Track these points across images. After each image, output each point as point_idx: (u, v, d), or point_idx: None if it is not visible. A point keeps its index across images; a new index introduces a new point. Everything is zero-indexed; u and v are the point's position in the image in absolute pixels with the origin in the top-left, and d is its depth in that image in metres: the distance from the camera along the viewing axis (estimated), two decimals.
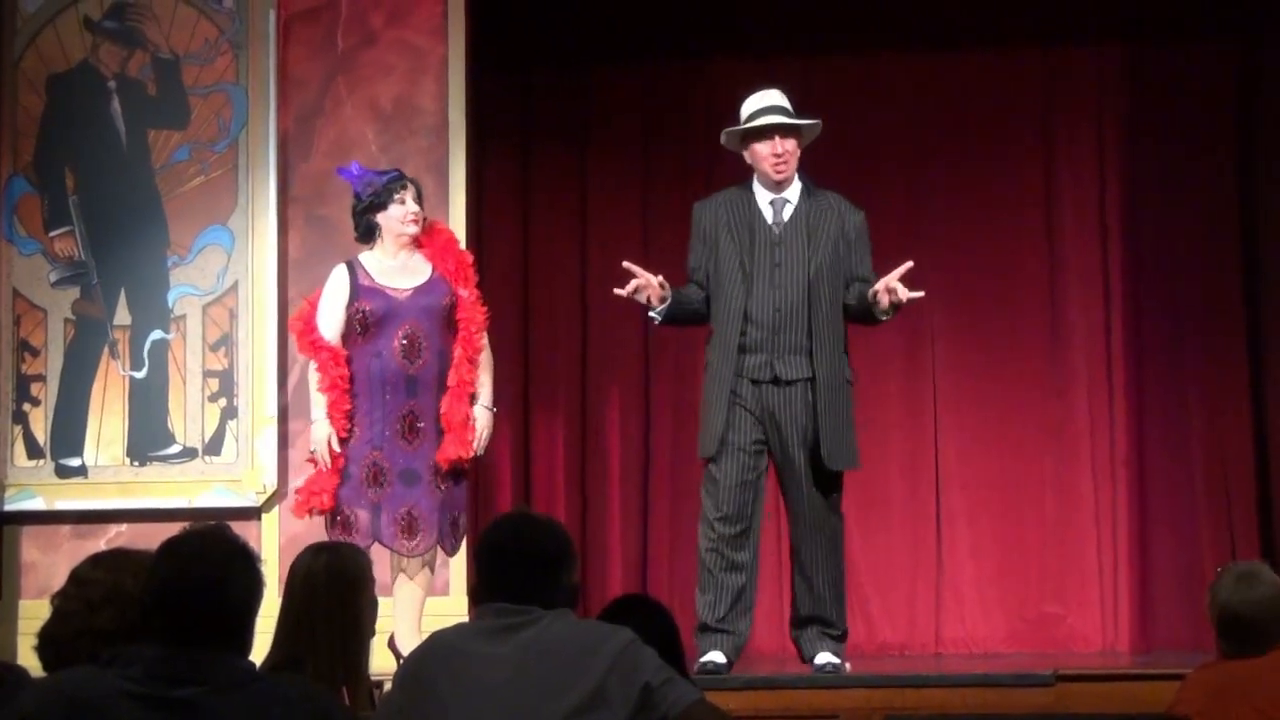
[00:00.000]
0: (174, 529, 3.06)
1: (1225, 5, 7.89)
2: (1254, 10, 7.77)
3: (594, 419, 8.06)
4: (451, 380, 6.07)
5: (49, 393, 7.12)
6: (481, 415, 6.13)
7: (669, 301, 5.87)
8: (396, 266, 6.13)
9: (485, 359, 6.18)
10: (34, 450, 7.11)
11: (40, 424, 7.11)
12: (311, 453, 6.08)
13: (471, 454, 6.13)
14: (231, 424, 7.07)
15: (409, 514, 6.02)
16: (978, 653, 7.66)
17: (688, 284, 5.99)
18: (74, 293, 7.16)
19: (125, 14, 7.27)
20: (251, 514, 6.98)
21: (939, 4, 7.98)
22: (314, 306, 6.15)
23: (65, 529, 7.09)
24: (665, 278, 5.89)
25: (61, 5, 7.27)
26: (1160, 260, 7.91)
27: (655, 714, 3.23)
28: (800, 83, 7.87)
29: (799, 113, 6.06)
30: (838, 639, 5.94)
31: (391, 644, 5.92)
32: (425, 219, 6.23)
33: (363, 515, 6.01)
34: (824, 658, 5.85)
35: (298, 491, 6.20)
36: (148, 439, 7.09)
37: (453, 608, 6.60)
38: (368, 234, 6.17)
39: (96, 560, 3.29)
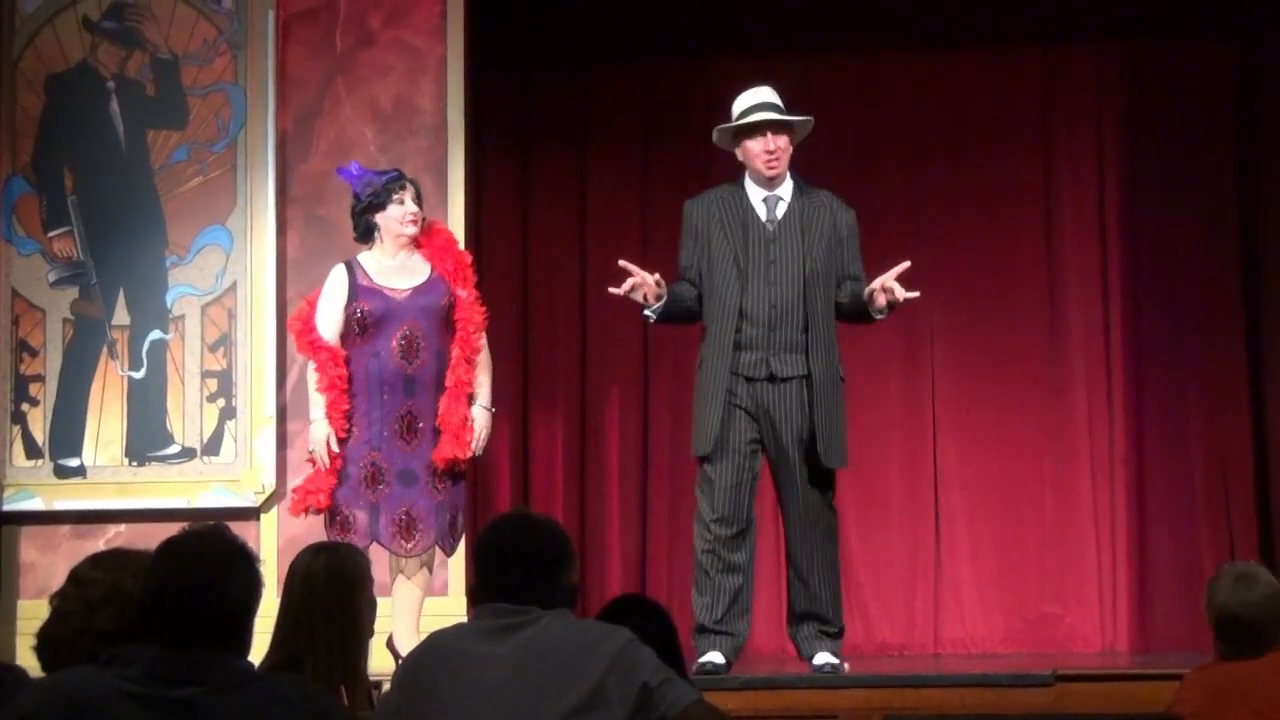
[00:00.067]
0: (173, 529, 3.06)
1: (1225, 4, 7.89)
2: (1253, 9, 7.77)
3: (593, 418, 8.06)
4: (449, 381, 6.07)
5: (48, 393, 7.12)
6: (480, 415, 6.13)
7: (664, 300, 5.86)
8: (395, 267, 6.13)
9: (484, 359, 6.18)
10: (33, 450, 7.11)
11: (39, 424, 7.11)
12: (310, 452, 6.08)
13: (469, 454, 6.12)
14: (230, 424, 7.07)
15: (407, 514, 6.02)
16: (977, 653, 7.66)
17: (679, 281, 5.97)
18: (73, 293, 7.16)
19: (124, 14, 7.27)
20: (250, 514, 6.98)
21: (938, 3, 7.98)
22: (313, 307, 6.15)
23: (64, 529, 7.08)
24: (663, 276, 5.89)
25: (60, 5, 7.26)
26: (1160, 259, 7.91)
27: (654, 714, 3.23)
28: (800, 82, 7.88)
29: (792, 110, 6.06)
30: (835, 636, 5.94)
31: (390, 644, 5.92)
32: (424, 219, 6.23)
33: (361, 516, 6.01)
34: (823, 658, 5.84)
35: (295, 490, 6.20)
36: (146, 439, 7.08)
37: (451, 608, 6.60)
38: (366, 234, 6.17)
39: (95, 560, 3.29)
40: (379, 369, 6.04)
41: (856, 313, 5.96)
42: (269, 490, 7.00)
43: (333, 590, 3.95)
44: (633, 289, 5.83)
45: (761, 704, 5.52)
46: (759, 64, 7.57)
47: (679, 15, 8.05)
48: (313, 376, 6.09)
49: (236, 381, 7.07)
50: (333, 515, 6.03)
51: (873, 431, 7.88)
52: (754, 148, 5.96)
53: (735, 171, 6.13)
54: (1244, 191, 7.87)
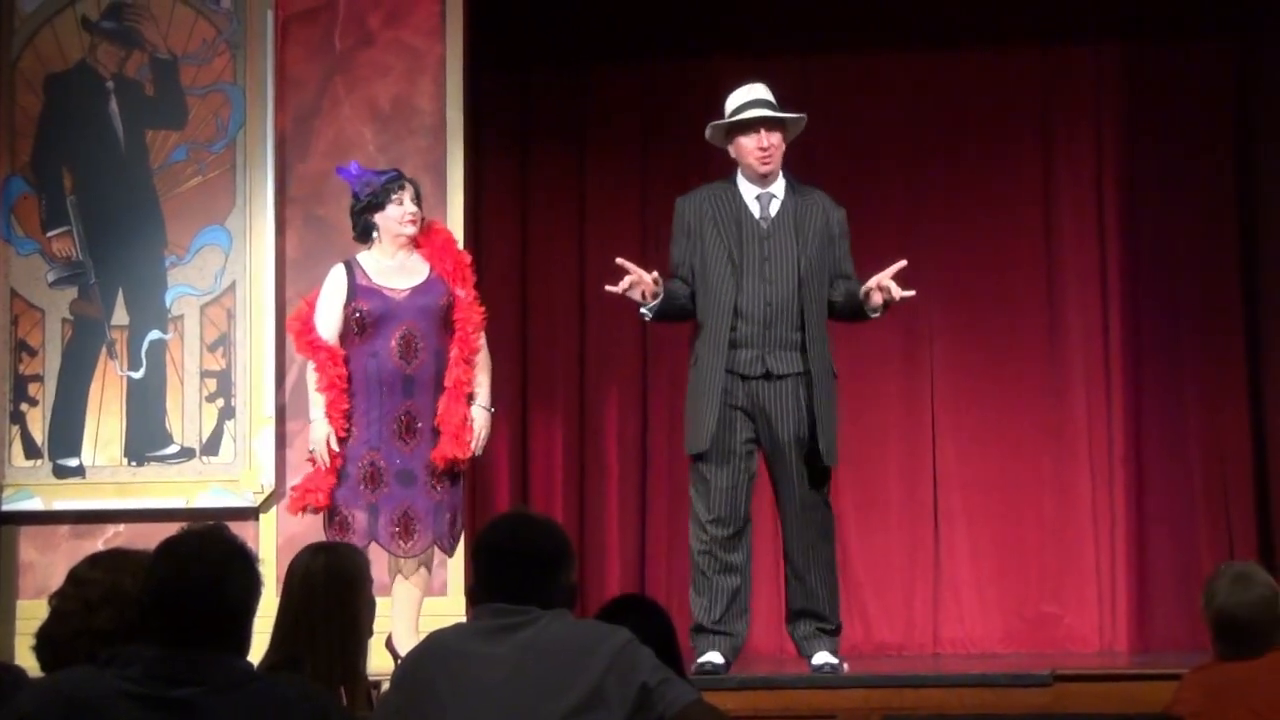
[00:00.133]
0: (172, 529, 3.06)
1: (1224, 4, 7.89)
2: (1253, 9, 7.77)
3: (592, 418, 8.06)
4: (448, 381, 6.06)
5: (47, 393, 7.12)
6: (479, 416, 6.12)
7: (660, 298, 5.85)
8: (394, 266, 6.13)
9: (483, 359, 6.18)
10: (32, 450, 7.10)
11: (38, 424, 7.11)
12: (311, 452, 6.08)
13: (469, 454, 6.12)
14: (229, 424, 7.07)
15: (406, 514, 6.02)
16: (975, 653, 7.67)
17: (671, 279, 5.94)
18: (72, 293, 7.16)
19: (123, 14, 7.27)
20: (249, 514, 6.98)
21: (938, 3, 7.98)
22: (312, 306, 6.15)
23: (63, 529, 7.08)
24: (661, 275, 5.88)
25: (59, 5, 7.26)
26: (1159, 259, 7.91)
27: (653, 714, 3.23)
28: (799, 81, 7.90)
29: (788, 107, 6.06)
30: (832, 634, 5.93)
31: (389, 644, 5.92)
32: (423, 219, 6.23)
33: (360, 516, 6.01)
34: (822, 657, 5.84)
35: (294, 489, 6.18)
36: (145, 439, 7.08)
37: (450, 608, 6.59)
38: (365, 234, 6.17)
39: (94, 560, 3.29)
40: (377, 369, 6.04)
41: (851, 311, 5.96)
42: (268, 490, 7.00)
43: (332, 590, 3.95)
44: (630, 287, 5.82)
45: (760, 704, 5.51)
46: (759, 64, 7.55)
47: (679, 15, 8.05)
48: (312, 376, 6.09)
49: (235, 381, 7.07)
50: (331, 515, 6.03)
51: (872, 431, 7.89)
52: (747, 144, 5.96)
53: (733, 171, 6.12)
54: (1243, 191, 7.87)
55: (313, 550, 4.10)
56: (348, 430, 6.04)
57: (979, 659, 7.42)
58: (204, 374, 7.10)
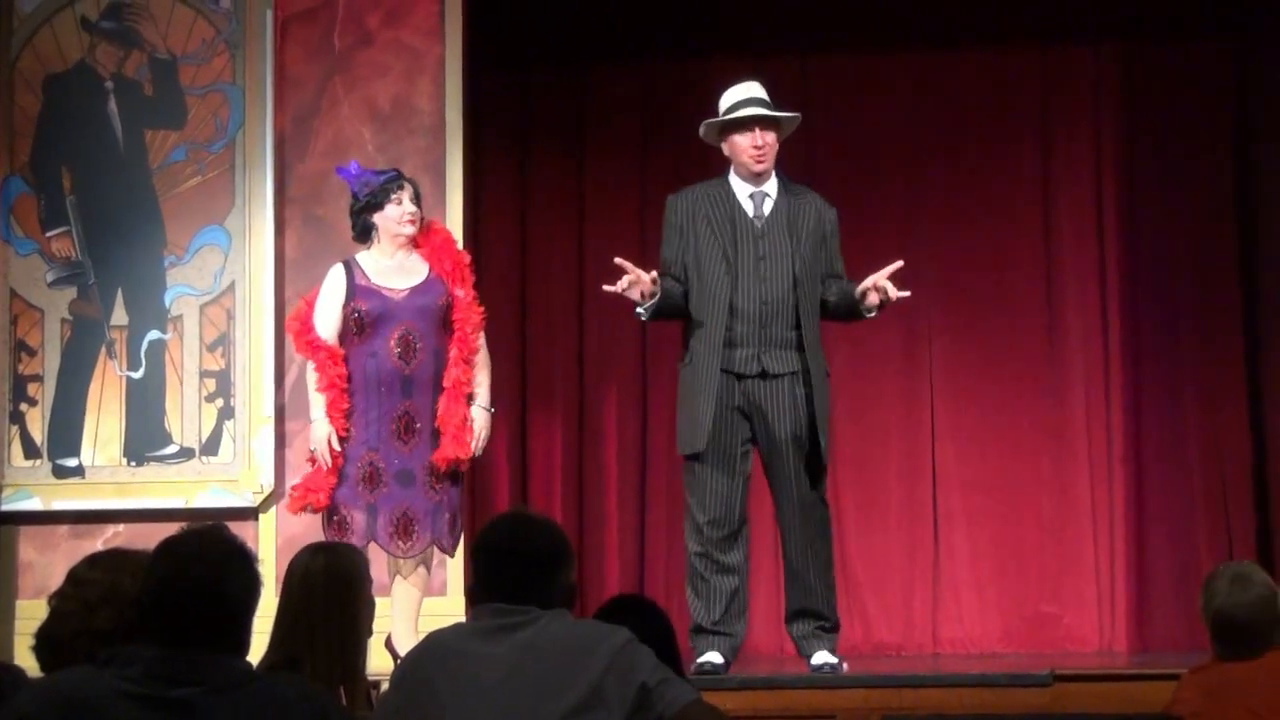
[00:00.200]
0: (171, 529, 3.06)
1: (1224, 4, 7.89)
2: (1252, 9, 7.77)
3: (591, 418, 8.05)
4: (447, 381, 6.06)
5: (46, 393, 7.12)
6: (479, 416, 6.12)
7: (657, 297, 5.83)
8: (393, 266, 6.13)
9: (482, 359, 6.18)
10: (31, 450, 7.10)
11: (37, 424, 7.11)
12: (312, 451, 6.08)
13: (470, 455, 6.12)
14: (228, 424, 7.07)
15: (404, 515, 6.02)
16: (975, 653, 7.66)
17: (663, 277, 5.91)
18: (71, 293, 7.16)
19: (122, 14, 7.27)
20: (248, 514, 6.98)
21: (938, 3, 7.98)
22: (311, 306, 6.15)
23: (62, 529, 7.08)
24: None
25: (58, 5, 7.26)
26: (1158, 259, 7.91)
27: (652, 714, 3.23)
28: (799, 81, 7.91)
29: (784, 107, 6.06)
30: (831, 631, 5.93)
31: (389, 644, 5.92)
32: (423, 219, 6.23)
33: (359, 517, 6.01)
34: (821, 657, 5.84)
35: (294, 488, 6.17)
36: (145, 439, 7.08)
37: (450, 608, 6.59)
38: (365, 234, 6.17)
39: (94, 560, 3.28)
40: (376, 369, 6.04)
41: (846, 311, 5.95)
42: (267, 490, 7.00)
43: (331, 590, 3.95)
44: (629, 286, 5.80)
45: (760, 704, 5.51)
46: (759, 64, 7.56)
47: (678, 15, 8.05)
48: (312, 376, 6.09)
49: (235, 381, 7.07)
50: (330, 515, 6.03)
51: (871, 431, 7.89)
52: (742, 143, 5.95)
53: (727, 170, 6.11)
54: (1243, 192, 7.87)
55: (312, 550, 4.10)
56: (348, 430, 6.03)
57: (978, 659, 7.42)
58: (203, 374, 7.10)
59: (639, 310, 5.87)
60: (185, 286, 7.13)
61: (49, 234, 7.18)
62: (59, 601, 3.22)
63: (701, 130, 6.05)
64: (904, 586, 7.84)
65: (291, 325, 6.26)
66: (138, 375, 7.10)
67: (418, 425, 6.04)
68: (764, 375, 5.83)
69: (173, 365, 7.10)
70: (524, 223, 8.13)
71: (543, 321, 8.09)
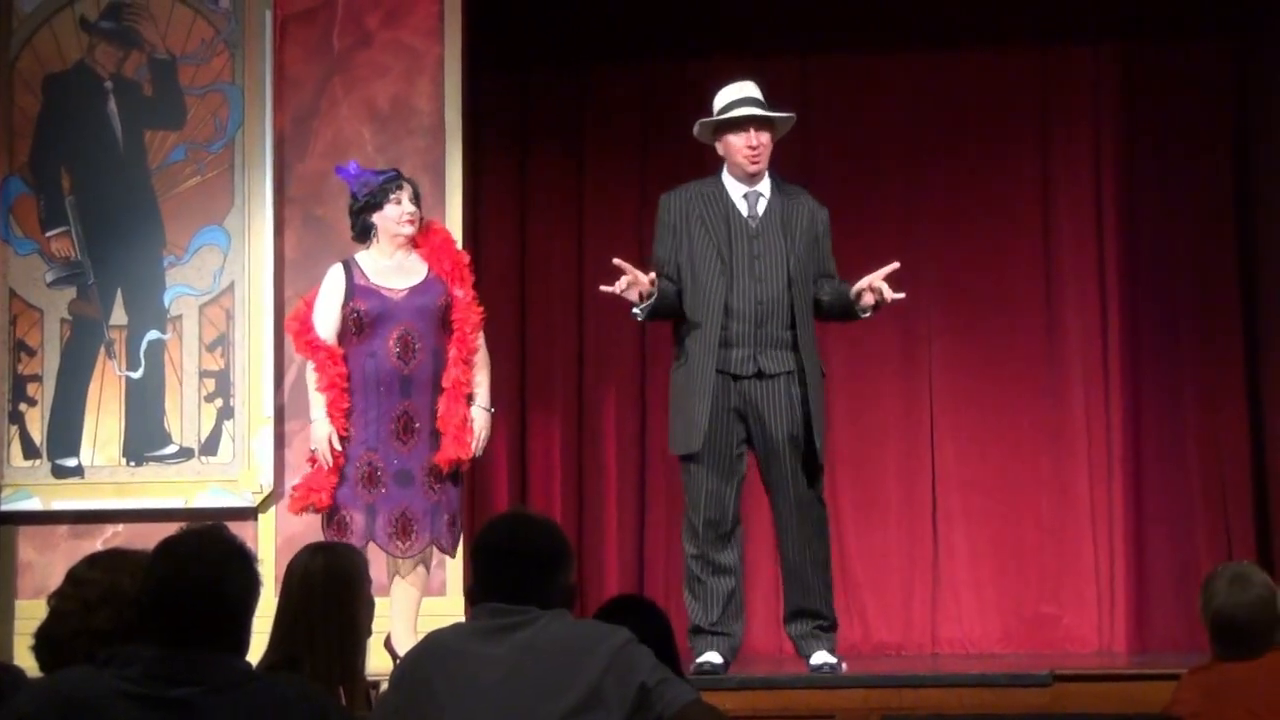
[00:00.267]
0: (170, 529, 3.06)
1: (1224, 4, 7.89)
2: (1252, 9, 7.77)
3: (591, 418, 8.05)
4: (446, 381, 6.06)
5: (45, 393, 7.12)
6: (479, 416, 6.12)
7: (653, 298, 5.81)
8: (392, 266, 6.13)
9: (481, 359, 6.18)
10: (30, 450, 7.10)
11: (36, 424, 7.11)
12: (312, 451, 6.07)
13: (470, 455, 6.12)
14: (228, 424, 7.07)
15: (403, 515, 6.01)
16: (974, 653, 7.67)
17: (657, 277, 5.91)
18: (70, 293, 7.15)
19: (121, 14, 7.27)
20: (248, 514, 6.98)
21: (938, 3, 7.99)
22: (310, 306, 6.15)
23: (62, 529, 7.08)
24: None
25: (58, 5, 7.26)
26: (1157, 259, 7.91)
27: (651, 714, 3.23)
28: (798, 81, 7.91)
29: (780, 106, 6.05)
30: (829, 630, 5.93)
31: (388, 644, 5.91)
32: (422, 219, 6.23)
33: (358, 518, 6.01)
34: (820, 657, 5.84)
35: (295, 488, 6.17)
36: (144, 439, 7.08)
37: (449, 608, 6.59)
38: (364, 234, 6.17)
39: (93, 560, 3.28)
40: (375, 369, 6.04)
41: (840, 310, 5.94)
42: (267, 490, 7.00)
43: (331, 590, 3.95)
44: (627, 287, 5.79)
45: (759, 704, 5.51)
46: (759, 64, 7.55)
47: (678, 15, 8.05)
48: (312, 376, 6.09)
49: (234, 381, 7.07)
50: (330, 516, 6.03)
51: (870, 431, 7.89)
52: (736, 143, 5.94)
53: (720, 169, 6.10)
54: (1242, 192, 7.87)
55: (311, 550, 4.10)
56: (348, 430, 6.03)
57: (978, 659, 7.43)
58: (202, 374, 7.10)
59: (635, 311, 5.85)
60: (185, 286, 7.13)
61: (48, 234, 7.18)
62: (58, 601, 3.22)
63: (696, 129, 6.05)
64: (903, 587, 7.84)
65: (291, 325, 6.26)
66: (137, 375, 7.10)
67: (417, 425, 6.04)
68: (760, 375, 5.83)
69: (172, 365, 7.10)
70: (524, 223, 8.13)
71: (542, 321, 8.09)
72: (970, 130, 8.04)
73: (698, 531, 5.83)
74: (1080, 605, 7.71)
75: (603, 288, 5.87)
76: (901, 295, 5.85)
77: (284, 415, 7.03)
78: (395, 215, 6.12)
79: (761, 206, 5.94)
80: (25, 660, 3.38)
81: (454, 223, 6.94)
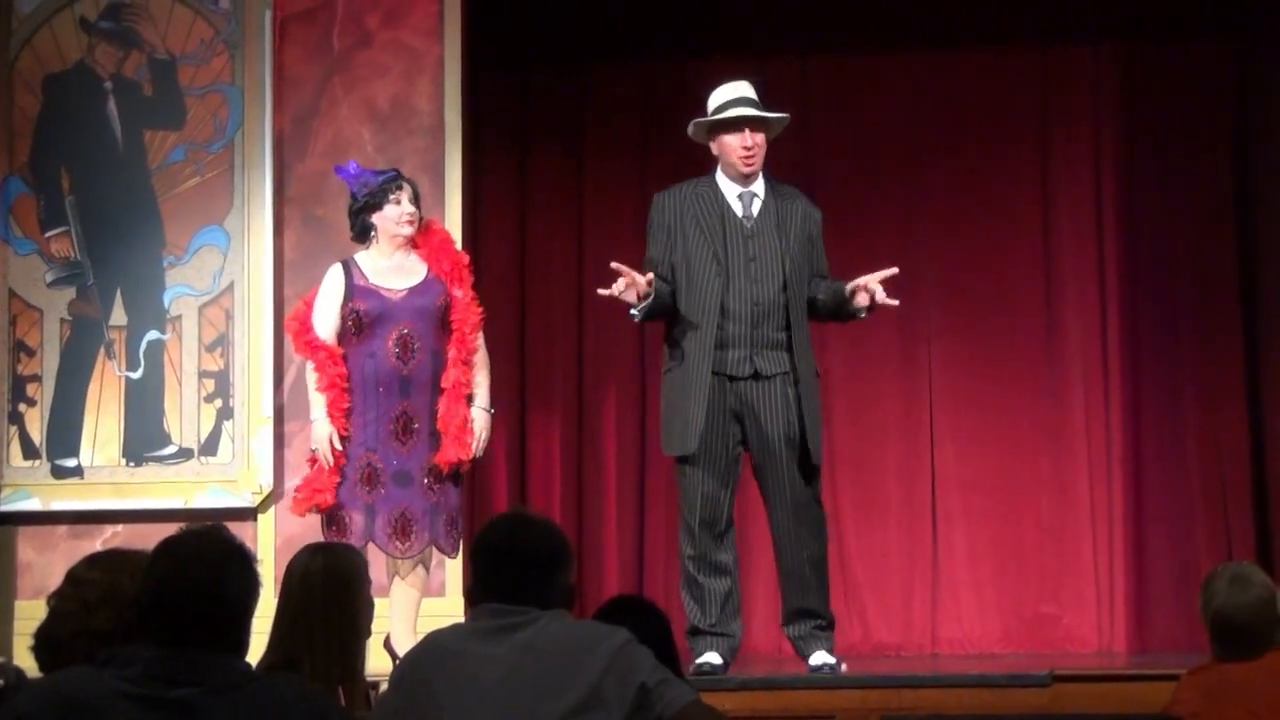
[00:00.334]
0: (170, 529, 3.06)
1: (1224, 4, 7.89)
2: (1252, 9, 7.77)
3: (591, 419, 8.05)
4: (446, 382, 6.06)
5: (45, 393, 7.12)
6: (479, 417, 6.12)
7: (650, 298, 5.79)
8: (392, 267, 6.13)
9: (481, 359, 6.17)
10: (30, 451, 7.10)
11: (36, 424, 7.11)
12: (313, 451, 6.07)
13: (471, 456, 6.12)
14: (227, 424, 7.07)
15: (402, 516, 6.01)
16: (974, 653, 7.66)
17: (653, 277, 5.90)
18: (70, 293, 7.15)
19: (121, 14, 7.26)
20: (247, 514, 6.98)
21: (938, 3, 7.98)
22: (310, 306, 6.14)
23: (61, 529, 7.08)
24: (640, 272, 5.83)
25: (57, 5, 7.26)
26: (1157, 259, 7.91)
27: (651, 714, 3.22)
28: (798, 81, 7.91)
29: (784, 108, 6.05)
30: (827, 629, 5.93)
31: (387, 645, 5.91)
32: (422, 219, 6.23)
33: (357, 518, 6.01)
34: (820, 658, 5.84)
35: (298, 489, 6.17)
36: (144, 439, 7.08)
37: (449, 608, 6.59)
38: (363, 234, 6.17)
39: (93, 561, 3.28)
40: (375, 369, 6.04)
41: (834, 307, 5.93)
42: (266, 490, 7.00)
43: (330, 591, 3.95)
44: (625, 289, 5.77)
45: (759, 704, 5.51)
46: (759, 64, 7.56)
47: (678, 15, 8.05)
48: (312, 376, 6.09)
49: (234, 382, 7.07)
50: (329, 516, 6.03)
51: (870, 431, 7.89)
52: (731, 143, 5.93)
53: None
54: (1242, 192, 7.87)
55: (311, 551, 4.10)
56: (348, 430, 6.03)
57: (977, 659, 7.42)
58: (202, 374, 7.10)
59: (633, 312, 5.84)
60: (184, 287, 7.13)
61: (48, 234, 7.18)
62: (58, 602, 3.22)
63: (690, 129, 6.04)
64: (903, 587, 7.84)
65: (290, 325, 6.26)
66: (137, 375, 7.10)
67: (416, 426, 6.04)
68: (756, 377, 5.82)
69: (171, 366, 7.10)
70: (523, 223, 8.13)
71: (542, 322, 8.09)
72: (970, 130, 8.03)
73: (694, 532, 5.83)
74: (1080, 605, 7.71)
75: (600, 291, 5.86)
76: (895, 302, 5.86)
77: (283, 415, 7.03)
78: (395, 216, 6.12)
79: (756, 207, 5.93)
80: (25, 661, 3.38)
81: (454, 223, 6.94)
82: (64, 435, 7.09)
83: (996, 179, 8.01)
